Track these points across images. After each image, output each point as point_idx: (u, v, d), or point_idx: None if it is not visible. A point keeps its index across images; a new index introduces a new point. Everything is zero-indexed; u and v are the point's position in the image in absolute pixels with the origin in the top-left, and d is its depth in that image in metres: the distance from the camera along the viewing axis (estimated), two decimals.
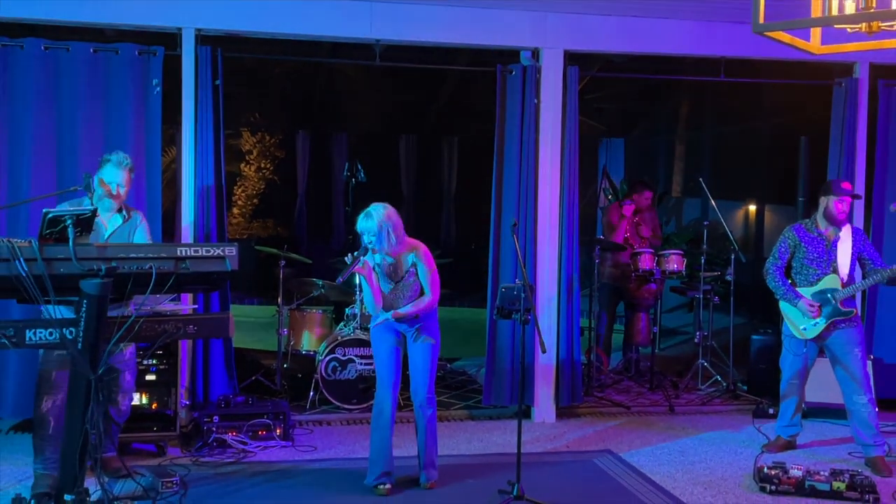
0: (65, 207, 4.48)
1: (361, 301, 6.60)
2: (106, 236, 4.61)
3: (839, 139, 6.79)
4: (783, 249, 5.46)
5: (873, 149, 6.78)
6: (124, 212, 4.76)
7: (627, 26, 6.34)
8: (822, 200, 5.37)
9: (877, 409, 5.39)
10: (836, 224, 5.33)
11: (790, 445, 5.66)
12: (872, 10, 2.72)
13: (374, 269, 4.62)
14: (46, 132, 5.63)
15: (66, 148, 5.66)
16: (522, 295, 4.49)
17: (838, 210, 5.29)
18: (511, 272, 6.22)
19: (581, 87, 6.46)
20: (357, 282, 6.73)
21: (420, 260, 4.64)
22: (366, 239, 4.52)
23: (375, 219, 4.50)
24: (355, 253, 4.53)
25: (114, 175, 4.65)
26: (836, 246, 5.33)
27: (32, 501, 4.18)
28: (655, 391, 7.20)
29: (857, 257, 5.36)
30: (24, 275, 3.60)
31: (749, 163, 14.52)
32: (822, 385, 6.16)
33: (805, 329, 5.36)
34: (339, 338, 6.40)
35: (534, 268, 6.30)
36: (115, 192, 4.66)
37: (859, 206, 6.73)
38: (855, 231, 5.41)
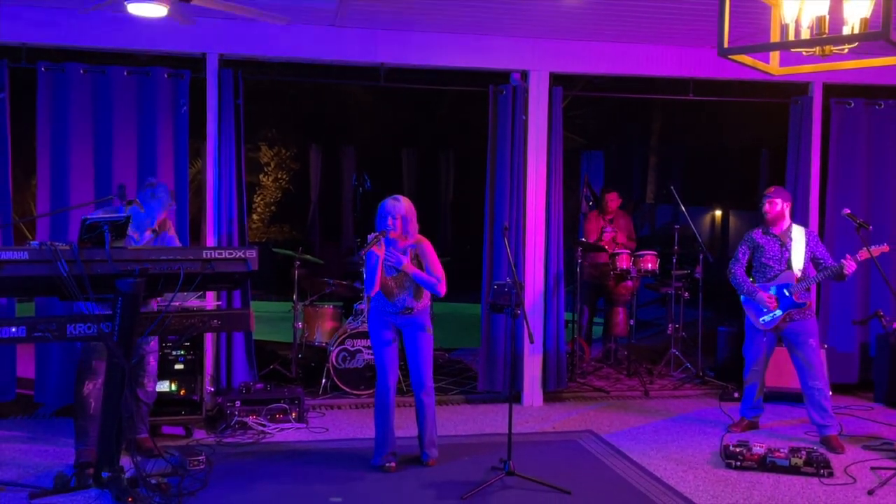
0: (99, 214, 4.49)
1: (368, 298, 6.58)
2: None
3: (796, 151, 6.79)
4: (743, 251, 5.50)
5: (827, 159, 6.78)
6: (155, 226, 4.72)
7: (607, 50, 6.34)
8: None
9: (830, 393, 5.39)
10: (766, 222, 5.40)
11: (753, 426, 5.65)
12: (825, 36, 2.72)
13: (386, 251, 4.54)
14: (85, 146, 5.63)
15: (103, 160, 5.66)
16: (513, 291, 4.48)
17: (764, 209, 5.39)
18: (502, 271, 6.21)
19: (565, 105, 6.46)
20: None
21: (424, 252, 4.60)
22: (385, 221, 4.48)
23: (403, 204, 4.52)
24: (375, 233, 4.47)
25: (158, 211, 4.62)
26: (789, 246, 5.36)
27: (74, 479, 4.16)
28: (632, 377, 7.19)
29: (810, 257, 5.38)
30: (65, 275, 3.60)
31: (715, 172, 14.55)
32: (782, 371, 6.18)
33: (764, 321, 5.37)
34: (349, 330, 6.39)
35: (523, 267, 6.30)
36: (154, 226, 4.63)
37: (815, 210, 6.74)
38: (808, 233, 5.43)
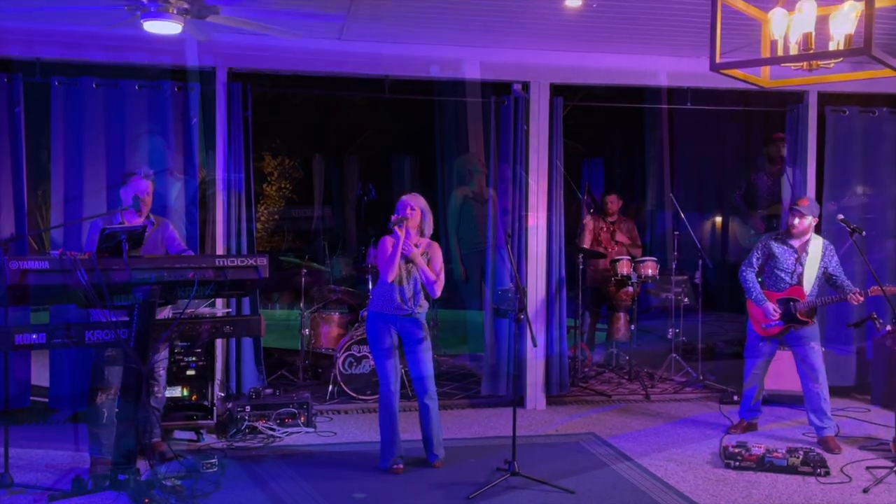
0: (98, 221, 4.62)
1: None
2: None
3: (792, 158, 6.91)
4: (757, 256, 5.54)
5: (822, 166, 6.88)
6: (152, 219, 4.85)
7: (606, 62, 6.44)
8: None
9: (828, 396, 5.48)
10: (790, 235, 5.43)
11: (752, 427, 5.75)
12: (812, 51, 2.85)
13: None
14: (97, 158, 5.76)
15: (115, 171, 5.75)
16: (516, 297, 4.59)
17: (789, 223, 5.43)
18: (505, 277, 6.30)
19: (565, 114, 6.57)
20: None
21: (434, 253, 4.78)
22: (405, 211, 4.72)
23: (422, 200, 4.81)
24: (397, 216, 4.68)
25: (139, 185, 4.76)
26: (804, 261, 5.40)
27: (91, 482, 4.27)
28: (633, 381, 7.28)
29: (822, 272, 5.43)
30: (84, 283, 3.73)
31: (715, 179, 14.63)
32: (780, 374, 6.26)
33: (766, 327, 5.47)
34: (355, 337, 6.48)
35: (525, 273, 6.37)
36: (142, 199, 4.77)
37: None
38: (826, 247, 5.44)
